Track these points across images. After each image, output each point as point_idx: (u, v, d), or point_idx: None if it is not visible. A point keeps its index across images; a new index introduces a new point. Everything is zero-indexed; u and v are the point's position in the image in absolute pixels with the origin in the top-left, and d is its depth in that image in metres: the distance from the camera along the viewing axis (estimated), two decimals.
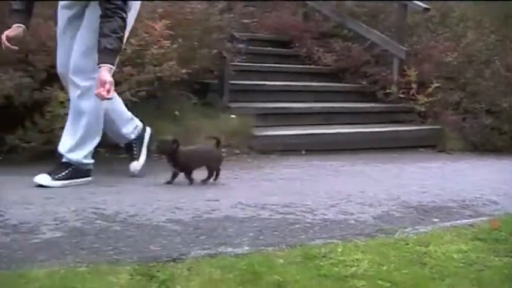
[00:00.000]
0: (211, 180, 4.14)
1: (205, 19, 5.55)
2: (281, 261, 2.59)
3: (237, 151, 5.31)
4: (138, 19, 4.92)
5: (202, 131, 5.22)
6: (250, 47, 6.58)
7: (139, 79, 4.66)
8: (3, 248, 2.64)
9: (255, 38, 7.26)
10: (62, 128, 4.36)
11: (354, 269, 2.57)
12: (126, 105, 4.65)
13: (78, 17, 3.92)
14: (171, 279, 2.33)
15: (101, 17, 3.70)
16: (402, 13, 7.17)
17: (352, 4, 7.91)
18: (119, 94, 4.51)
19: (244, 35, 6.62)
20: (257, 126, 5.63)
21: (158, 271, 2.39)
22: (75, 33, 3.90)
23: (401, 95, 6.87)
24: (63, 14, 4.00)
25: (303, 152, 5.61)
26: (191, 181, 4.07)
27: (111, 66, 3.66)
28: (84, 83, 3.84)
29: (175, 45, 4.89)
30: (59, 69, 4.06)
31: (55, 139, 4.37)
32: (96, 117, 3.96)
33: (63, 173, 3.86)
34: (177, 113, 5.31)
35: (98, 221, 3.08)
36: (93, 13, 3.80)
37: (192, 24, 5.43)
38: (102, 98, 3.65)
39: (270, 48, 7.46)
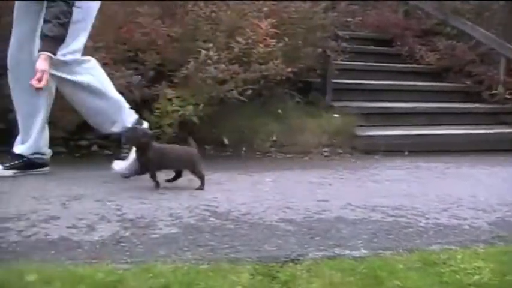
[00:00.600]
0: (197, 187, 3.67)
1: (309, 18, 5.51)
2: (401, 266, 2.53)
3: (340, 151, 5.27)
4: (244, 18, 5.00)
5: (306, 130, 5.24)
6: (351, 46, 6.50)
7: (245, 77, 4.68)
8: (124, 242, 2.71)
9: (356, 36, 7.16)
10: (170, 124, 4.49)
11: (476, 277, 2.49)
12: (229, 103, 4.70)
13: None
14: (292, 280, 2.32)
15: (47, 2, 3.53)
16: (510, 10, 6.91)
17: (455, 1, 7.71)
18: (227, 92, 4.58)
19: (345, 33, 6.55)
20: (360, 126, 5.57)
21: (278, 272, 2.39)
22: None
23: (508, 96, 6.62)
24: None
25: (406, 153, 5.50)
26: (157, 183, 3.64)
27: (50, 54, 3.49)
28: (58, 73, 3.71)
29: (280, 44, 4.88)
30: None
31: (163, 135, 4.49)
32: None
33: None
34: (280, 111, 5.31)
35: (212, 219, 3.11)
36: None
37: (297, 22, 5.41)
38: (34, 88, 3.51)
39: (371, 47, 7.38)
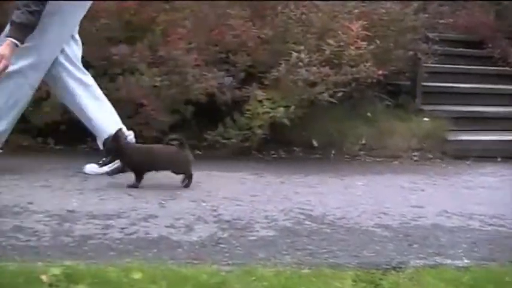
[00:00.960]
0: (182, 185, 3.64)
1: (400, 19, 5.41)
2: (507, 278, 2.45)
3: (430, 155, 5.16)
4: (335, 20, 4.96)
5: (395, 133, 5.16)
6: (440, 48, 6.34)
7: (336, 80, 4.64)
8: (223, 243, 2.74)
9: (445, 38, 6.97)
10: (261, 126, 4.51)
11: None
12: (319, 105, 4.67)
13: None
14: None
15: None
16: None
17: None
18: (318, 94, 4.55)
19: (434, 35, 6.39)
20: (450, 130, 5.43)
21: (381, 279, 2.36)
22: None
23: None
24: None
25: (499, 159, 5.33)
26: (135, 184, 3.58)
27: (14, 40, 3.43)
28: None
29: (372, 47, 4.81)
30: None
31: (253, 137, 4.52)
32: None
33: None
34: (369, 114, 5.26)
35: (307, 222, 3.11)
36: None
37: (387, 24, 5.33)
38: None
39: (461, 49, 7.18)
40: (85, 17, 4.50)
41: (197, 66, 4.50)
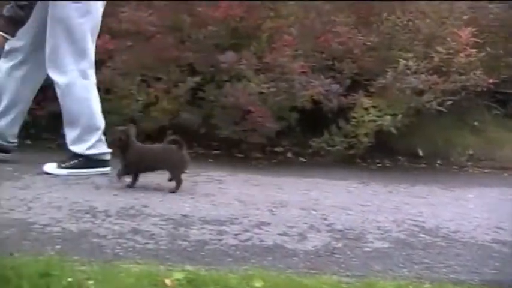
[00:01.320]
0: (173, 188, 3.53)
1: (511, 25, 5.24)
2: None
3: None
4: (443, 26, 4.86)
5: (505, 144, 5.01)
6: None
7: (444, 88, 4.54)
8: (338, 254, 2.73)
9: None
10: (366, 134, 4.47)
11: None
12: (424, 114, 4.58)
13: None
14: None
15: None
16: None
17: None
18: (426, 102, 4.47)
19: None
20: None
21: None
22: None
23: None
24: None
25: None
26: (131, 184, 3.56)
27: (4, 34, 3.49)
28: (61, 79, 3.73)
29: (482, 54, 4.68)
30: None
31: (359, 144, 4.48)
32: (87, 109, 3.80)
33: (71, 163, 3.81)
34: (476, 123, 5.12)
35: (421, 235, 3.05)
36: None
37: (496, 31, 5.17)
38: None
39: None
40: (193, 25, 4.64)
41: (303, 73, 4.51)
